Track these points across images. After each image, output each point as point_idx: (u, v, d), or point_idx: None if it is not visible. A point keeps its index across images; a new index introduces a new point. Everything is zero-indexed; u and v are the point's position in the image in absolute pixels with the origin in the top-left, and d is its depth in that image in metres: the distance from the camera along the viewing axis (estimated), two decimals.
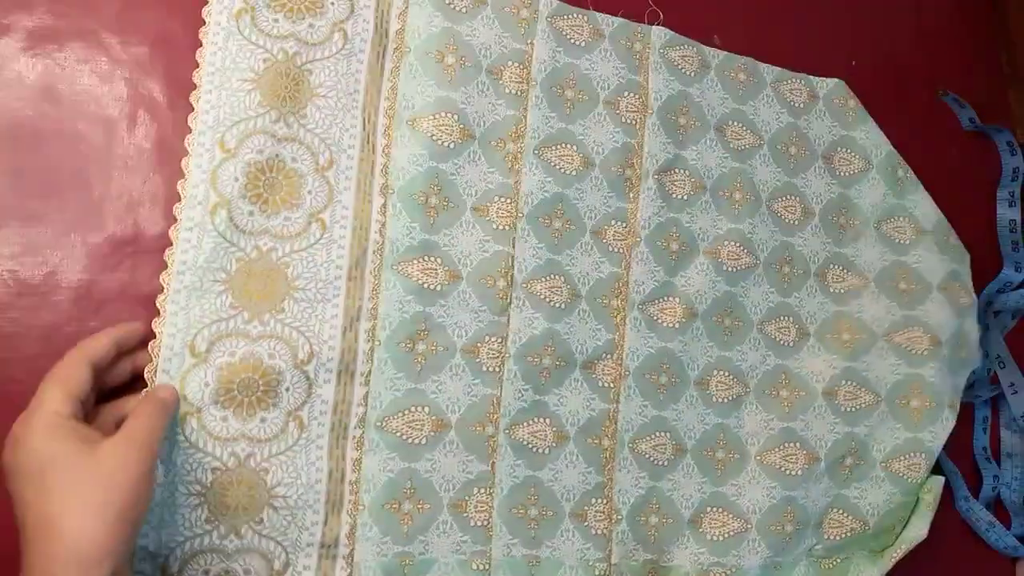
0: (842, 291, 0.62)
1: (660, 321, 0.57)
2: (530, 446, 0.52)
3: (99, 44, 0.48)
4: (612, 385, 0.55)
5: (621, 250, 0.56)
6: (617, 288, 0.56)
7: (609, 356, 0.55)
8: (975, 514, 0.64)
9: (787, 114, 0.62)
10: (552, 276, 0.54)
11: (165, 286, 0.46)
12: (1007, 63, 0.75)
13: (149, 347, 0.45)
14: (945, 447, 0.60)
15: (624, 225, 0.57)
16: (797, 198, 0.62)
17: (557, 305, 0.54)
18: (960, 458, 0.66)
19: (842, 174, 0.63)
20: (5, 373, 0.45)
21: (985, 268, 0.68)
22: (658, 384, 0.56)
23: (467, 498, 0.51)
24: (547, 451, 0.53)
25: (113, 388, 0.45)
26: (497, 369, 0.52)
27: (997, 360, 0.66)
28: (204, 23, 0.48)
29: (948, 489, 0.63)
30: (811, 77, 0.63)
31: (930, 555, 0.59)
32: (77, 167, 0.47)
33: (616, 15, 0.58)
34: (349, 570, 0.48)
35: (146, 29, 0.48)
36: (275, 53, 0.49)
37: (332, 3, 0.51)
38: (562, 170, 0.55)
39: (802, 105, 0.63)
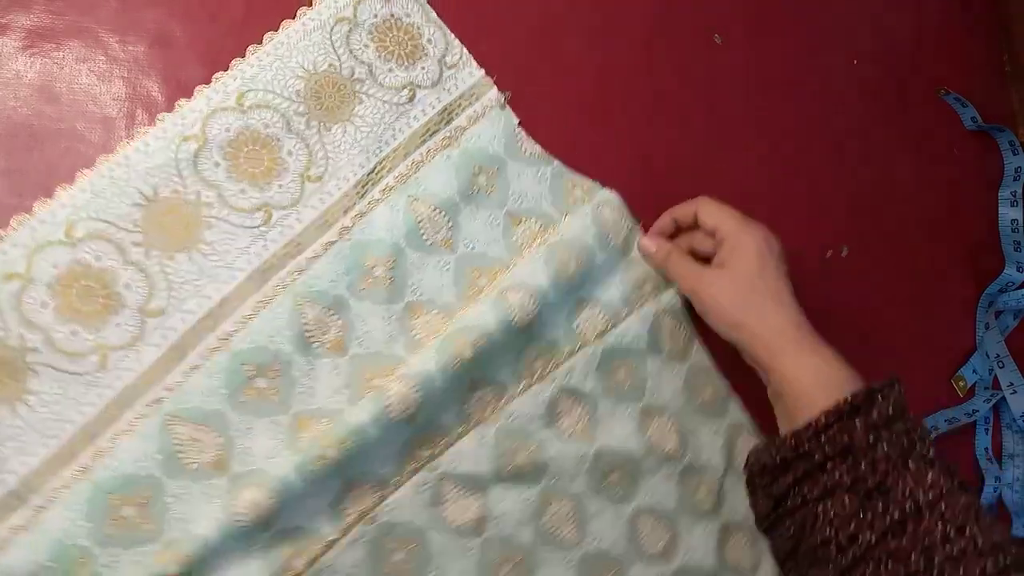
0: None
1: (444, 508, 0.50)
2: None
3: (97, 43, 0.49)
4: (349, 524, 0.48)
5: (474, 416, 0.51)
6: (436, 441, 0.50)
7: (370, 488, 0.49)
8: None
9: (724, 461, 0.57)
10: (417, 388, 0.48)
11: (96, 166, 0.46)
12: (1009, 62, 0.74)
13: (34, 207, 0.45)
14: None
15: (495, 398, 0.52)
16: (669, 532, 0.55)
17: (393, 415, 0.47)
18: (962, 460, 0.65)
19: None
20: None
21: (987, 268, 0.68)
22: (389, 559, 0.49)
23: None
24: None
25: None
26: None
27: (997, 360, 0.65)
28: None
29: None
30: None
31: None
32: (75, 167, 0.47)
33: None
34: (26, 524, 0.43)
35: (145, 28, 0.50)
36: (342, 67, 0.51)
37: (423, 67, 0.53)
38: (513, 318, 0.51)
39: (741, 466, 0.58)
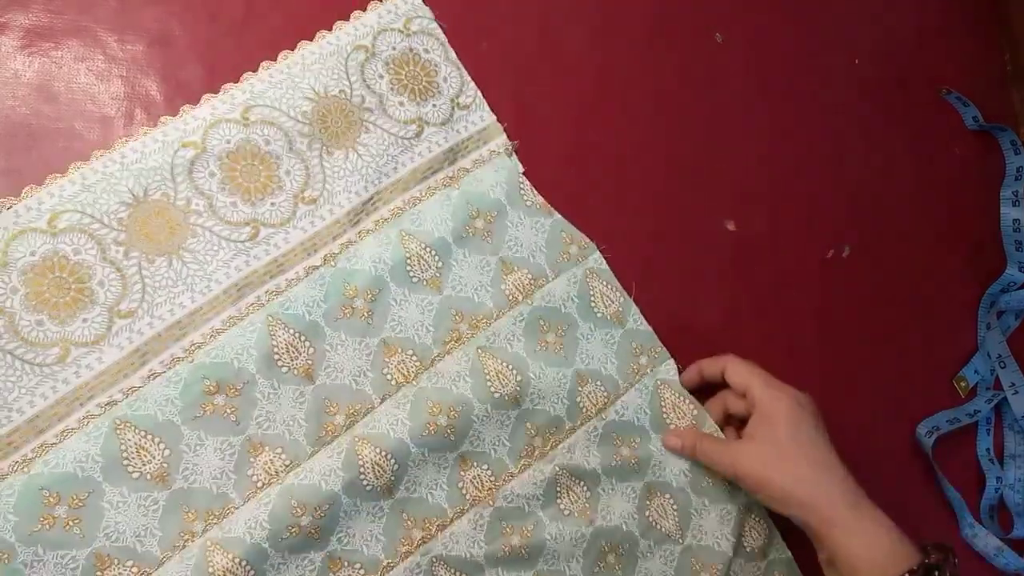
0: None
1: None
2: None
3: (96, 42, 0.49)
4: None
5: (469, 496, 0.50)
6: (430, 524, 0.49)
7: (360, 569, 0.48)
8: (982, 540, 0.62)
9: (732, 546, 0.54)
10: (390, 457, 0.48)
11: (93, 159, 0.46)
12: (1010, 61, 0.74)
13: (23, 192, 0.45)
14: (944, 464, 0.61)
15: (492, 478, 0.51)
16: None
17: (366, 483, 0.47)
18: (963, 460, 0.64)
19: None
20: None
21: (988, 268, 0.68)
22: None
23: (115, 563, 0.44)
24: None
25: None
26: (259, 484, 0.46)
27: (998, 360, 0.65)
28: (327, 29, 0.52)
29: (953, 516, 0.63)
30: (785, 546, 0.56)
31: None
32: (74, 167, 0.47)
33: (652, 327, 0.56)
34: None
35: (144, 28, 0.50)
36: (352, 94, 0.51)
37: (435, 105, 0.53)
38: (491, 387, 0.50)
39: (751, 550, 0.55)
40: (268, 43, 0.51)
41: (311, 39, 0.52)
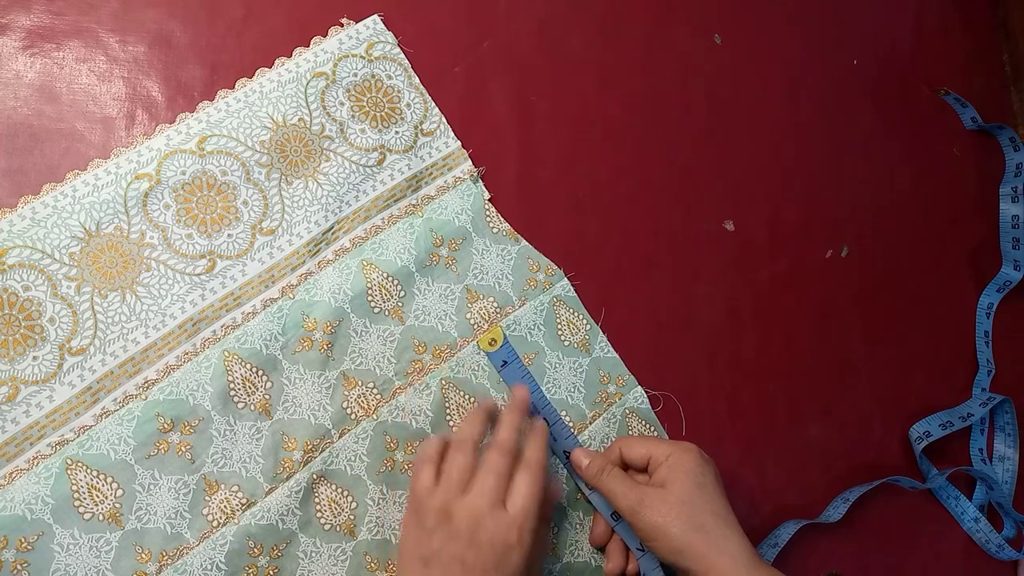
0: None
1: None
2: None
3: (98, 43, 0.50)
4: None
5: None
6: (395, 567, 0.49)
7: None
8: (985, 535, 0.63)
9: None
10: (347, 494, 0.48)
11: (44, 191, 0.46)
12: (1008, 62, 0.76)
13: None
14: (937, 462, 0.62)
15: None
16: None
17: (324, 524, 0.47)
18: (955, 459, 0.64)
19: None
20: None
21: (986, 268, 0.69)
22: None
23: None
24: None
25: None
26: (215, 524, 0.46)
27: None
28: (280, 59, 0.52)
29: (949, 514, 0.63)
30: None
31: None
32: (75, 167, 0.48)
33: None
34: None
35: (145, 28, 0.51)
36: (312, 122, 0.51)
37: (397, 132, 0.53)
38: (453, 422, 0.51)
39: None
40: (269, 43, 0.52)
41: (309, 41, 0.53)
